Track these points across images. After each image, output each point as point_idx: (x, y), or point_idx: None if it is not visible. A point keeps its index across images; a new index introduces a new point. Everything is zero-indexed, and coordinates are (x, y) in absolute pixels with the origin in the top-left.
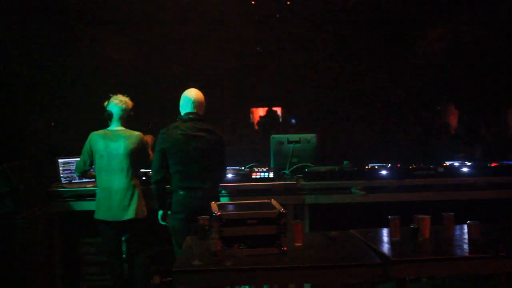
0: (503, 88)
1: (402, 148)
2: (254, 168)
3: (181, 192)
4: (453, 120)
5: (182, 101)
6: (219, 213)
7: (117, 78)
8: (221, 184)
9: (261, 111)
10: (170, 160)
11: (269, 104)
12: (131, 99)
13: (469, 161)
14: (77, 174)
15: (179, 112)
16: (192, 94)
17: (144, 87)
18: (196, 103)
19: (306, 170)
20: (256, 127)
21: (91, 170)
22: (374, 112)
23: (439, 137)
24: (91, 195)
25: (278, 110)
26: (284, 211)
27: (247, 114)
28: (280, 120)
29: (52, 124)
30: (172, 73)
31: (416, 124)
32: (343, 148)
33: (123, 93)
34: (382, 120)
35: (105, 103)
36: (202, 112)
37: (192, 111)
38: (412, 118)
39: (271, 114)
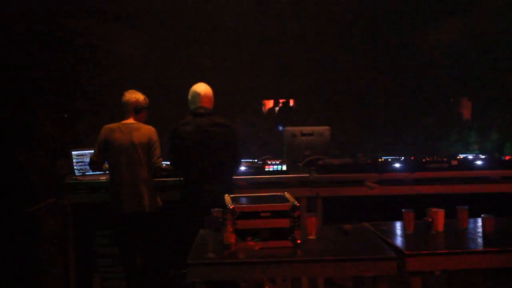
0: None
1: (415, 140)
2: (267, 161)
3: (195, 187)
4: (466, 112)
5: (191, 96)
6: (232, 206)
7: (129, 72)
8: (234, 177)
9: (272, 103)
10: (184, 155)
11: (281, 96)
12: (145, 94)
13: (483, 154)
14: (91, 167)
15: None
16: (201, 89)
17: (156, 81)
18: (205, 98)
19: (320, 162)
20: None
21: (105, 163)
22: (387, 104)
23: (454, 130)
24: (105, 187)
25: (291, 101)
26: (297, 204)
27: (260, 106)
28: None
29: (65, 116)
30: (184, 67)
31: (430, 115)
32: (356, 140)
33: (134, 87)
34: (395, 112)
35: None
36: (211, 106)
37: (202, 105)
38: (425, 110)
39: (284, 105)
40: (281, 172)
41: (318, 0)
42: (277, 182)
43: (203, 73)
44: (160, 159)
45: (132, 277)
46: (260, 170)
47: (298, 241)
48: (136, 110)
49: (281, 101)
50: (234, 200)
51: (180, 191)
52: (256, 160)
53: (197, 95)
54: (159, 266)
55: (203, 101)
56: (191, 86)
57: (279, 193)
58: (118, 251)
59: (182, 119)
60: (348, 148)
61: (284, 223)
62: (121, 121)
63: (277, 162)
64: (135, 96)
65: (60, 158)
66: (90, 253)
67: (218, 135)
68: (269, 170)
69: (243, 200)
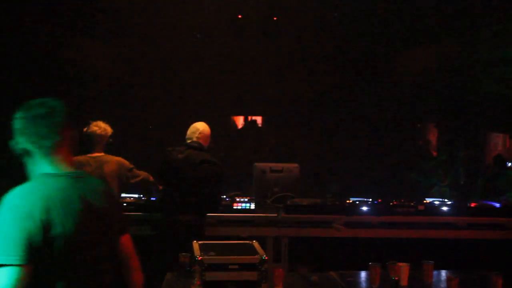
0: (484, 111)
1: (383, 179)
2: (236, 198)
3: (172, 217)
4: (432, 139)
5: (189, 130)
6: (200, 257)
7: (100, 90)
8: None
9: (241, 120)
10: (166, 182)
11: (248, 113)
12: (111, 122)
13: (449, 199)
14: None
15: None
16: (200, 126)
17: (127, 98)
18: (202, 134)
19: (288, 202)
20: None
21: None
22: (354, 137)
23: (422, 160)
24: None
25: (258, 119)
26: (266, 258)
27: (228, 123)
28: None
29: None
30: (155, 82)
31: (398, 145)
32: (325, 177)
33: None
34: (363, 143)
35: (85, 129)
36: (206, 144)
37: (197, 141)
38: (393, 140)
39: (251, 123)
40: (249, 210)
41: (292, 25)
42: (245, 221)
43: (176, 89)
44: (147, 174)
45: None
46: (228, 207)
47: None
48: (102, 142)
49: (250, 118)
50: (202, 248)
51: (149, 224)
52: (224, 197)
53: (195, 130)
54: None
55: (199, 137)
56: (162, 101)
57: (248, 242)
58: None
59: (176, 147)
60: (316, 187)
61: (251, 276)
62: (86, 153)
63: (246, 200)
64: (103, 127)
65: None
66: None
67: (206, 171)
68: (237, 208)
69: (212, 249)
